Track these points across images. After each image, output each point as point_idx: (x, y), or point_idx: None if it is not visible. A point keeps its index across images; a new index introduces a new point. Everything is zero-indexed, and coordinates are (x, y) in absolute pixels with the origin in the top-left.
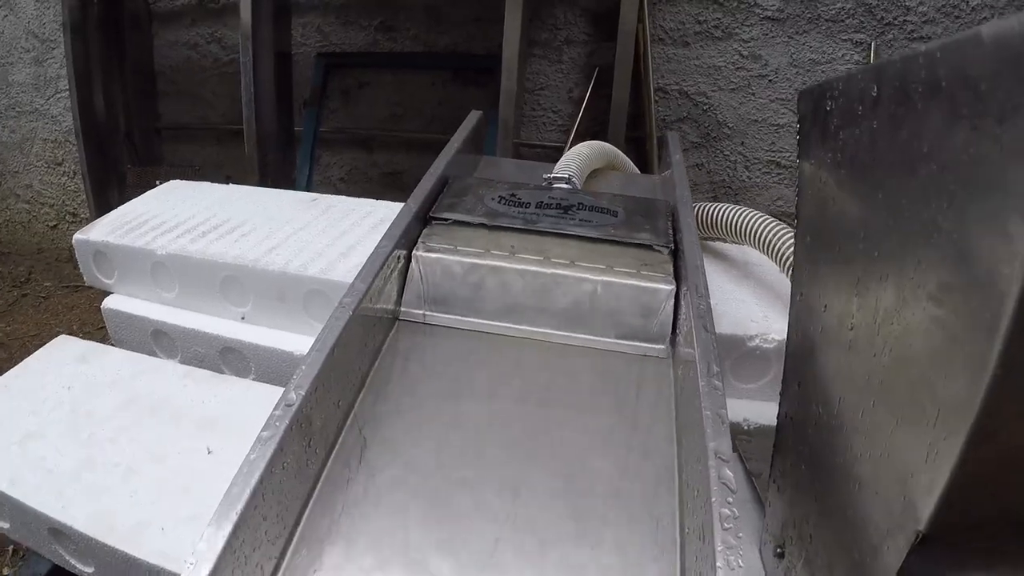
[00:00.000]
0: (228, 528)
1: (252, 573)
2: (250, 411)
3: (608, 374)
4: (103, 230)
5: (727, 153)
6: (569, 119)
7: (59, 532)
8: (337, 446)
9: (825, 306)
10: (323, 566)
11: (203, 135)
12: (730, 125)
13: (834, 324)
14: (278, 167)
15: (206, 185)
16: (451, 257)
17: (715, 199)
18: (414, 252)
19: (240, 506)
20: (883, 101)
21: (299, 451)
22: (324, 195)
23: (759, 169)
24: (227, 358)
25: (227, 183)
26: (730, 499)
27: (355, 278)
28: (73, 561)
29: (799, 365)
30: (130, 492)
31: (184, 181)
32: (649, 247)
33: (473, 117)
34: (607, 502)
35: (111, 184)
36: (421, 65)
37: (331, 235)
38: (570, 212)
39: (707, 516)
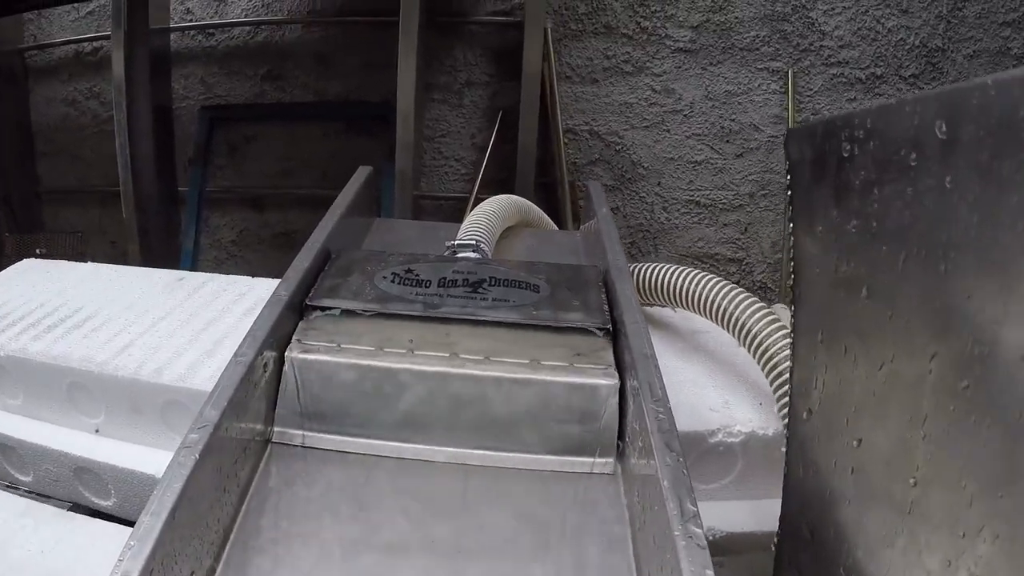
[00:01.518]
0: None
1: None
2: (101, 562)
3: (541, 504)
4: None
5: (643, 195)
6: (473, 167)
7: None
8: None
9: (859, 440)
10: None
11: (86, 198)
12: (645, 165)
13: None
14: (161, 231)
15: (64, 265)
16: (334, 358)
17: (633, 244)
18: (287, 354)
19: None
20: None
21: None
22: (193, 273)
23: (678, 210)
24: (83, 479)
25: (110, 247)
26: None
27: (205, 402)
28: None
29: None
30: None
31: (39, 260)
32: (582, 330)
33: (361, 174)
34: None
35: None
36: (311, 115)
37: (196, 325)
38: (480, 289)
39: None
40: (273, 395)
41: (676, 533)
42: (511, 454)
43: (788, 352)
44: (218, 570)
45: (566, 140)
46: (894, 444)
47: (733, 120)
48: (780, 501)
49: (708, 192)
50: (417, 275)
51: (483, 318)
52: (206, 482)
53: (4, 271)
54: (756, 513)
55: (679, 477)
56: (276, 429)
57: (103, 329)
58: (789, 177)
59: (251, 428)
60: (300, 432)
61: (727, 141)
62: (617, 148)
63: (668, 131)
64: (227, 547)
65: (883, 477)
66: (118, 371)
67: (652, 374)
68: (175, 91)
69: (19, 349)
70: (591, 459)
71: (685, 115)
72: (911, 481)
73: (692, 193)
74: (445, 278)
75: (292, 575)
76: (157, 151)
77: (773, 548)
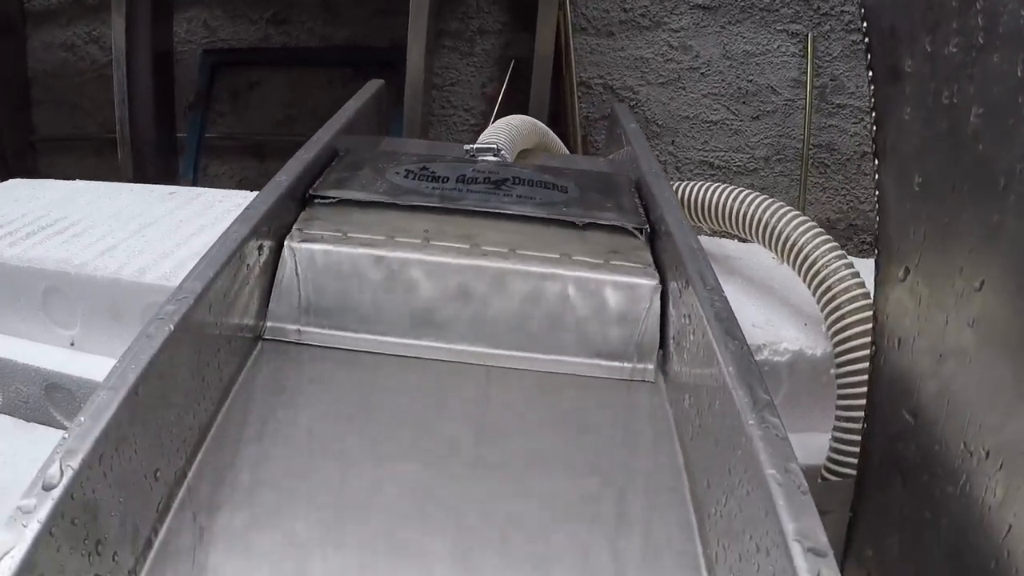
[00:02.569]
0: None
1: None
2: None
3: (573, 411)
4: None
5: (656, 153)
6: (483, 118)
7: None
8: (154, 547)
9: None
10: None
11: (82, 147)
12: (659, 123)
13: None
14: (158, 178)
15: (49, 183)
16: (339, 248)
17: None
18: (286, 242)
19: None
20: None
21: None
22: (187, 188)
23: (691, 170)
24: (54, 398)
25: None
26: None
27: (187, 276)
28: None
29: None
30: None
31: (26, 180)
32: (618, 229)
33: (372, 86)
34: None
35: None
36: (317, 61)
37: (186, 231)
38: (503, 187)
39: None
40: (267, 288)
41: (750, 423)
42: (538, 355)
43: (838, 268)
44: (190, 474)
45: (579, 93)
46: None
47: (750, 81)
48: (827, 435)
49: (722, 154)
50: (433, 172)
51: (507, 211)
52: (181, 364)
53: None
54: (800, 447)
55: (746, 363)
56: (269, 324)
57: (85, 235)
58: (864, 15)
59: (240, 318)
60: (296, 327)
61: (743, 102)
62: (631, 104)
63: (684, 89)
64: (202, 449)
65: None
66: (97, 271)
67: (702, 266)
68: (177, 35)
69: None
70: (629, 365)
71: (702, 73)
72: None
73: (706, 154)
74: (464, 175)
75: (278, 472)
76: (156, 96)
77: (820, 480)
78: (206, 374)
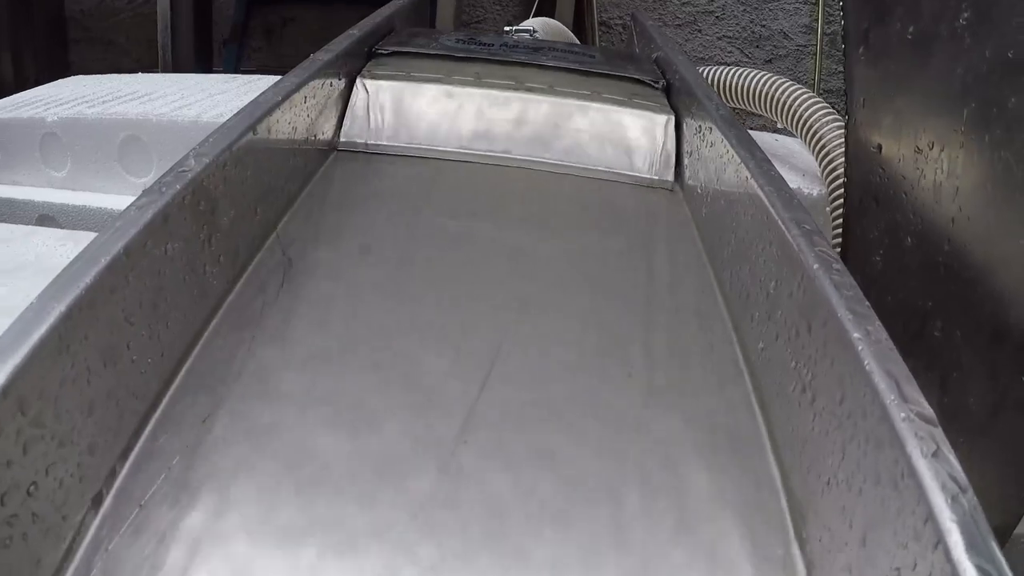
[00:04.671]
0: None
1: (103, 411)
2: None
3: (605, 201)
4: None
5: None
6: None
7: None
8: (251, 266)
9: None
10: (217, 417)
11: None
12: None
13: None
14: None
15: (113, 76)
16: (403, 82)
17: None
18: (357, 79)
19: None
20: None
21: (193, 244)
22: (245, 75)
23: None
24: None
25: None
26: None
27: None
28: None
29: None
30: None
31: (87, 76)
32: (639, 81)
33: None
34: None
35: None
36: None
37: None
38: (541, 51)
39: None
40: (341, 113)
41: (756, 181)
42: (573, 164)
43: (828, 121)
44: (280, 223)
45: (600, 32)
46: None
47: (764, 26)
48: None
49: None
50: (480, 40)
51: (545, 64)
52: (276, 149)
53: (47, 84)
54: None
55: (759, 155)
56: (343, 139)
57: (159, 100)
58: None
59: (316, 139)
60: (365, 141)
61: (757, 46)
62: None
63: (700, 31)
64: (289, 211)
65: None
66: (178, 117)
67: (716, 101)
68: None
69: (74, 114)
70: (651, 176)
71: (717, 16)
72: None
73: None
74: (507, 43)
75: (355, 224)
76: (196, 30)
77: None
78: (293, 162)
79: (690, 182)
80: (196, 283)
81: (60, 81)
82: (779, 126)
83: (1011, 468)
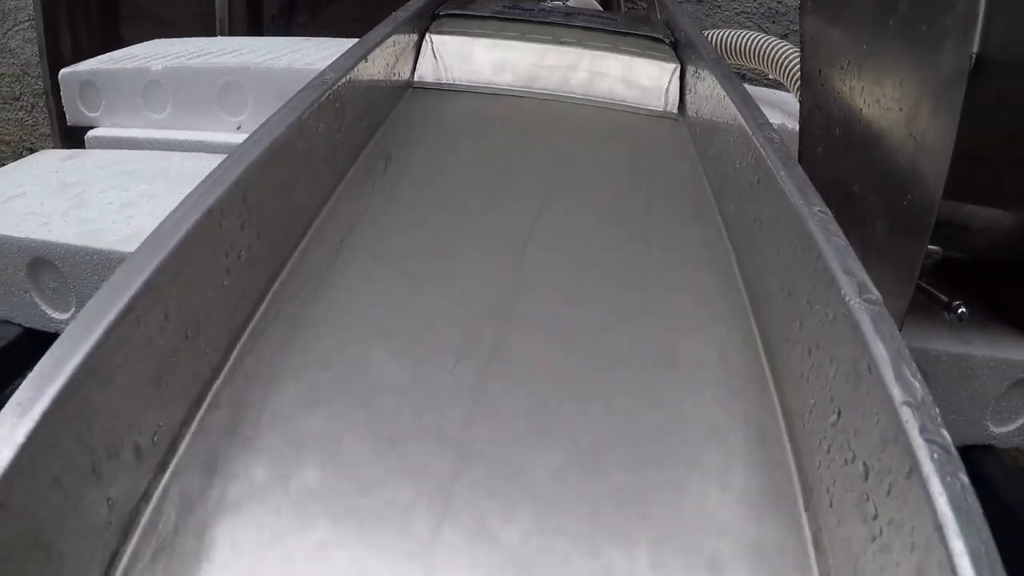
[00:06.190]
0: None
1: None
2: None
3: (625, 124)
4: (92, 63)
5: None
6: None
7: (40, 264)
8: (360, 158)
9: None
10: (351, 240)
11: None
12: None
13: None
14: None
15: (196, 38)
16: (464, 36)
17: None
18: (426, 35)
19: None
20: None
21: (329, 130)
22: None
23: None
24: None
25: None
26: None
27: (356, 43)
28: (48, 310)
29: None
30: (127, 217)
31: (171, 39)
32: (652, 38)
33: None
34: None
35: None
36: None
37: (336, 50)
38: (571, 16)
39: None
40: (414, 61)
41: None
42: (597, 98)
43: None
44: (378, 130)
45: (626, 6)
46: None
47: (780, 2)
48: None
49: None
50: (522, 6)
51: (575, 24)
52: (375, 72)
53: (136, 45)
54: None
55: (745, 96)
56: (416, 80)
57: (250, 53)
58: None
59: (396, 79)
60: (436, 81)
61: (773, 21)
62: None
63: (719, 7)
64: (384, 122)
65: None
66: (273, 64)
67: (712, 53)
68: None
69: (177, 64)
70: (660, 108)
71: None
72: None
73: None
74: (544, 9)
75: (436, 134)
76: (248, 8)
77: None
78: (384, 84)
79: (690, 112)
80: (331, 161)
81: (147, 43)
82: (769, 77)
83: (902, 266)
